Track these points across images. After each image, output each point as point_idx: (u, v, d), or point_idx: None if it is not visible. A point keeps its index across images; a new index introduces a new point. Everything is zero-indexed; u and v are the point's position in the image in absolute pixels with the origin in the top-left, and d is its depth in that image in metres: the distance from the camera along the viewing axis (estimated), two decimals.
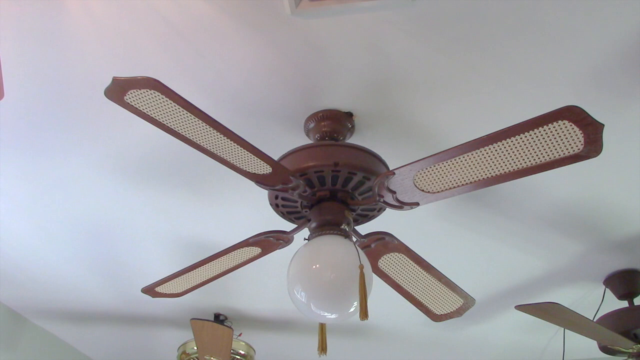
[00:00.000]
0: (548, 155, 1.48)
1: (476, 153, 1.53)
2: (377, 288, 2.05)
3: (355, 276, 1.66)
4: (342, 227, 1.81)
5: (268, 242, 1.98)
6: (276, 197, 1.89)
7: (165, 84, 1.46)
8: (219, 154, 1.64)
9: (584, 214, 2.37)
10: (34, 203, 2.47)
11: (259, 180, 1.77)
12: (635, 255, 2.61)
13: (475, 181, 1.61)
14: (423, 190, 1.68)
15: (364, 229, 2.06)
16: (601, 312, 2.72)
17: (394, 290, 2.10)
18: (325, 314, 1.75)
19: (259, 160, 1.67)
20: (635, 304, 2.66)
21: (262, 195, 2.21)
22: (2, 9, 1.70)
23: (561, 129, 1.42)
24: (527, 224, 2.44)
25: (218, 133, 1.57)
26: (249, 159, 1.67)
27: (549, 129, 1.43)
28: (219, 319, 3.24)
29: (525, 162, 1.52)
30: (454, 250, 2.65)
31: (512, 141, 1.48)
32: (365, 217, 1.95)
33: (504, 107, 1.94)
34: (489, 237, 2.54)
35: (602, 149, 1.44)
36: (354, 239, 1.88)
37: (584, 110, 1.38)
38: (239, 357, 3.16)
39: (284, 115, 2.01)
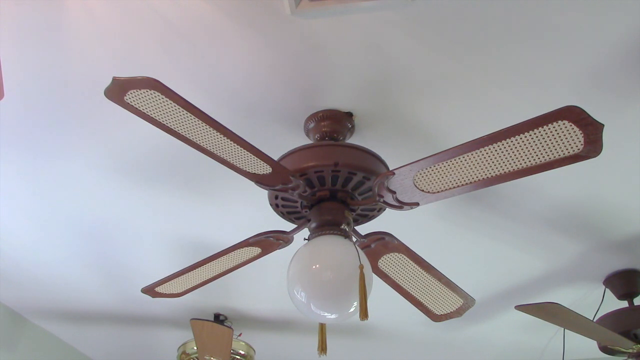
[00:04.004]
0: (548, 155, 1.48)
1: (476, 153, 1.53)
2: (377, 288, 2.04)
3: (355, 276, 1.66)
4: (342, 227, 1.81)
5: (268, 242, 1.98)
6: (276, 197, 1.89)
7: (165, 84, 1.46)
8: (219, 154, 1.64)
9: (584, 214, 2.37)
10: (33, 203, 2.47)
11: (259, 180, 1.77)
12: (635, 255, 2.60)
13: (475, 181, 1.61)
14: (423, 190, 1.68)
15: (364, 229, 2.05)
16: (601, 312, 2.72)
17: (394, 290, 2.10)
18: (325, 314, 1.75)
19: (259, 160, 1.67)
20: (635, 304, 2.66)
21: (262, 195, 2.21)
22: (2, 9, 1.70)
23: (561, 129, 1.42)
24: (527, 224, 2.44)
25: (218, 133, 1.57)
26: (249, 159, 1.67)
27: (549, 129, 1.43)
28: (219, 319, 3.24)
29: (525, 162, 1.52)
30: (454, 250, 2.64)
31: (512, 141, 1.48)
32: (365, 217, 1.95)
33: (504, 107, 1.94)
34: (489, 237, 2.54)
35: (602, 149, 1.44)
36: (354, 239, 1.88)
37: (584, 111, 1.38)
38: (239, 357, 3.16)
39: (284, 115, 2.01)
